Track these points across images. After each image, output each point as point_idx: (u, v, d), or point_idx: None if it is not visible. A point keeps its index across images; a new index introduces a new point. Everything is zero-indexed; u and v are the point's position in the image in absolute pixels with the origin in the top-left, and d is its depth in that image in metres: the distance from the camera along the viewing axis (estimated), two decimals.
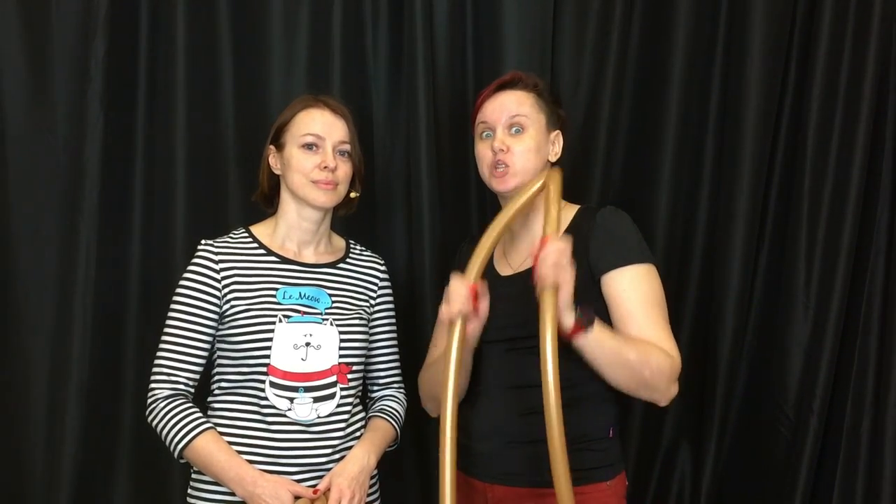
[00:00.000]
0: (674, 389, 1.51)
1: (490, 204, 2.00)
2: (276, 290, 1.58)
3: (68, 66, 1.94)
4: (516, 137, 1.57)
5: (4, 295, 1.95)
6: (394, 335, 1.76)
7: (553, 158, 1.63)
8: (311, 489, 1.50)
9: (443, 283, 1.87)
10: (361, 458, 1.56)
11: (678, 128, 1.94)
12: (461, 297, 1.43)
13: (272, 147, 1.65)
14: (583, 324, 1.38)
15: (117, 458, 2.00)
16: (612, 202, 1.97)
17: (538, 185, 1.51)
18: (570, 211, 1.61)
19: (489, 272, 1.63)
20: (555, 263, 1.34)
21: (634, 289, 1.49)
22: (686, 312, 1.97)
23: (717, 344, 1.92)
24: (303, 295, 1.60)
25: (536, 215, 1.61)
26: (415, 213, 1.95)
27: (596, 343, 1.40)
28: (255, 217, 1.72)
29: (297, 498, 1.48)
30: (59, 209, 1.95)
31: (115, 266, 1.96)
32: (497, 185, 1.58)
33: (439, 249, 1.94)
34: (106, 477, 1.99)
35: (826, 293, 1.84)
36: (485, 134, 1.61)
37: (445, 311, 1.44)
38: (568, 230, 1.56)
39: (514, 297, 1.48)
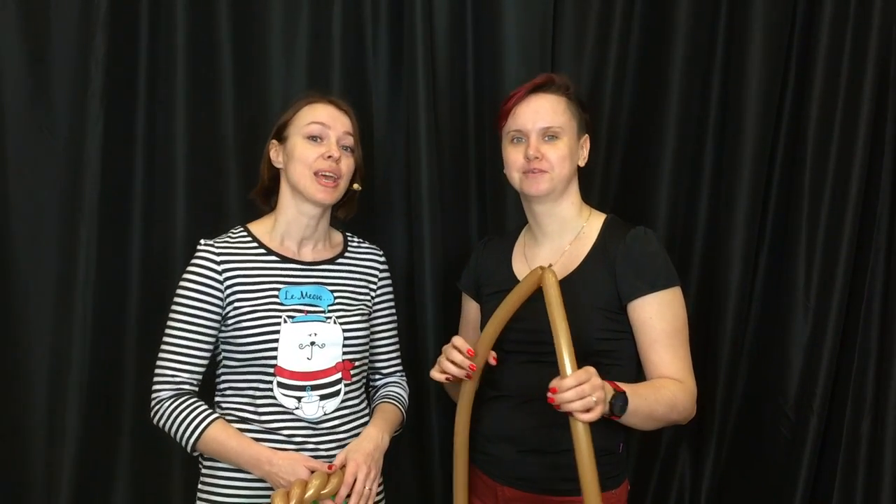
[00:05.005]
0: (694, 411, 1.54)
1: (490, 205, 2.00)
2: (279, 290, 1.59)
3: (68, 66, 1.94)
4: (550, 144, 1.55)
5: (4, 295, 1.95)
6: (394, 325, 1.76)
7: (582, 163, 1.62)
8: (327, 465, 1.51)
9: (443, 283, 1.88)
10: (376, 437, 1.57)
11: (678, 128, 1.94)
12: (459, 360, 1.47)
13: (274, 141, 1.65)
14: (616, 413, 1.37)
15: (117, 458, 2.00)
16: (613, 203, 1.98)
17: (529, 282, 1.41)
18: (597, 221, 1.61)
19: (511, 280, 1.61)
20: (580, 400, 1.28)
21: (661, 317, 1.50)
22: (686, 313, 1.96)
23: (717, 344, 1.92)
24: (305, 294, 1.60)
25: (559, 219, 1.60)
26: (415, 212, 1.95)
27: (629, 416, 1.40)
28: (255, 216, 1.72)
29: (312, 472, 1.48)
30: (59, 209, 1.96)
31: (115, 266, 1.96)
32: (529, 188, 1.56)
33: (439, 249, 1.94)
34: (106, 477, 1.99)
35: (826, 293, 1.84)
36: (516, 139, 1.59)
37: (438, 374, 1.49)
38: (595, 246, 1.56)
39: (535, 308, 1.42)
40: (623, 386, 1.39)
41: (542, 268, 1.38)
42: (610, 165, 1.98)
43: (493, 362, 1.48)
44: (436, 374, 1.49)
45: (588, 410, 1.28)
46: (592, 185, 1.95)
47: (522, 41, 1.97)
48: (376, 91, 2.02)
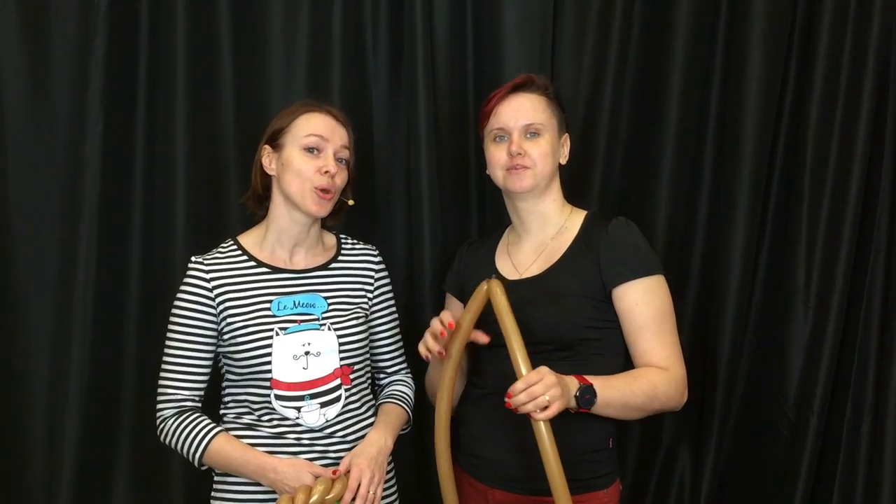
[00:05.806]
0: (685, 397, 1.55)
1: (490, 204, 2.00)
2: (271, 301, 1.58)
3: (68, 66, 1.94)
4: (532, 141, 1.57)
5: (4, 295, 1.95)
6: (395, 323, 1.76)
7: (563, 161, 1.64)
8: (331, 470, 1.51)
9: (442, 283, 1.88)
10: (378, 440, 1.57)
11: (678, 128, 1.94)
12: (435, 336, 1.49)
13: (267, 147, 1.64)
14: (584, 406, 1.40)
15: (117, 459, 2.01)
16: (613, 203, 1.98)
17: (480, 296, 1.45)
18: (579, 216, 1.62)
19: (496, 276, 1.62)
20: (532, 401, 1.33)
21: (647, 303, 1.52)
22: (686, 313, 1.96)
23: (717, 344, 1.92)
24: (297, 303, 1.60)
25: (541, 216, 1.62)
26: (415, 213, 1.95)
27: (602, 408, 1.43)
28: (254, 218, 1.72)
29: (317, 478, 1.48)
30: (59, 209, 1.96)
31: (115, 267, 1.96)
32: (513, 185, 1.57)
33: (439, 249, 1.94)
34: (106, 477, 2.00)
35: (826, 293, 1.84)
36: (498, 137, 1.60)
37: (423, 348, 1.52)
38: (577, 238, 1.58)
39: (519, 303, 1.45)
40: (592, 379, 1.42)
41: (486, 281, 1.43)
42: (610, 165, 1.98)
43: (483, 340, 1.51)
44: (421, 349, 1.53)
45: (545, 409, 1.32)
46: (592, 184, 1.96)
47: (522, 41, 1.97)
48: (376, 91, 2.02)
